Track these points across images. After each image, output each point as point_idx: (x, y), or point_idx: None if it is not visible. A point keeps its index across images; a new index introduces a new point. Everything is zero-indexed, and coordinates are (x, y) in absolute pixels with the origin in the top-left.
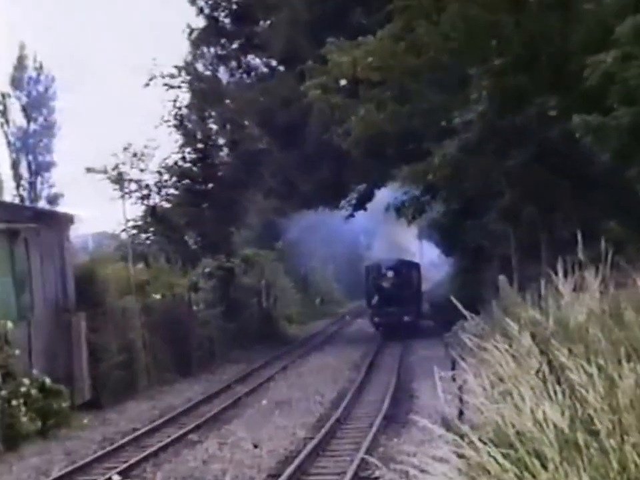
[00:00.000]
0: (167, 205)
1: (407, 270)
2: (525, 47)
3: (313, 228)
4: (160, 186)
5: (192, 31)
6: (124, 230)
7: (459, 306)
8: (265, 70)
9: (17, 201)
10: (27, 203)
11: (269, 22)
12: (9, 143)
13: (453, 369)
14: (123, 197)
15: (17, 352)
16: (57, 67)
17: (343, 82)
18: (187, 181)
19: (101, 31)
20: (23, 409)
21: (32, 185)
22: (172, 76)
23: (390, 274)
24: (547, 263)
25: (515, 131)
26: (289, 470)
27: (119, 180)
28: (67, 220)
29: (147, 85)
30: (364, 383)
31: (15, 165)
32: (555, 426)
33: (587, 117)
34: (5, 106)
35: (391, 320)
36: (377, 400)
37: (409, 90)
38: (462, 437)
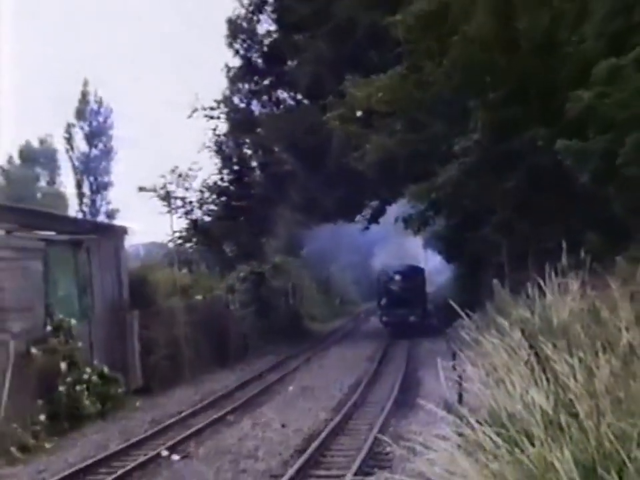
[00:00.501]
0: (207, 219)
1: (413, 274)
2: (516, 84)
3: (333, 238)
4: (201, 202)
5: (229, 69)
6: (170, 240)
7: (457, 308)
8: (292, 103)
9: (80, 215)
10: (89, 217)
11: (295, 62)
12: (73, 166)
13: (454, 359)
14: (169, 212)
15: (80, 345)
16: (112, 99)
17: (359, 113)
18: (224, 198)
19: (153, 68)
20: (85, 393)
21: (93, 202)
22: (212, 108)
23: (397, 278)
24: (534, 269)
25: (508, 156)
26: (313, 446)
27: (167, 197)
28: (122, 231)
29: (190, 116)
30: (377, 372)
31: (78, 185)
32: (541, 408)
33: (569, 142)
34: (70, 134)
35: (398, 320)
36: (388, 387)
37: (415, 120)
38: (461, 418)
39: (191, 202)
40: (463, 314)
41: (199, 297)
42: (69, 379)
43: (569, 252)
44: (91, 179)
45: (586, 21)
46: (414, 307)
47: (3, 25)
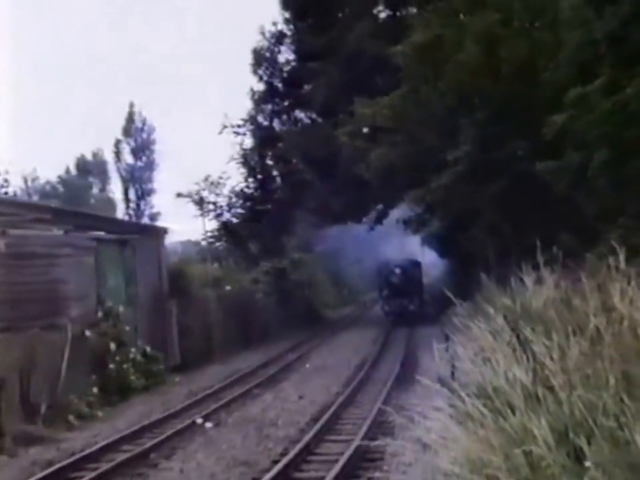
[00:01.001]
0: (235, 221)
1: (411, 267)
2: (499, 104)
3: (342, 237)
4: (230, 206)
5: (254, 92)
6: (203, 239)
7: (452, 297)
8: (308, 121)
9: (126, 218)
10: (134, 220)
11: (311, 86)
12: (121, 176)
13: (447, 342)
14: (202, 215)
15: (127, 328)
16: (157, 117)
17: (365, 129)
18: (249, 203)
19: (191, 89)
20: (131, 370)
21: (137, 206)
22: (239, 126)
23: (397, 271)
24: (516, 264)
25: (492, 166)
26: (326, 415)
27: (200, 202)
28: (162, 232)
29: (221, 132)
30: (380, 353)
31: (125, 192)
32: (521, 383)
33: (546, 162)
34: (118, 149)
35: (398, 309)
36: (390, 365)
37: (413, 135)
38: (453, 392)
39: (221, 206)
40: (455, 302)
41: (228, 288)
42: (117, 358)
43: (545, 250)
44: (136, 186)
45: (560, 51)
46: (412, 297)
47: (62, 53)
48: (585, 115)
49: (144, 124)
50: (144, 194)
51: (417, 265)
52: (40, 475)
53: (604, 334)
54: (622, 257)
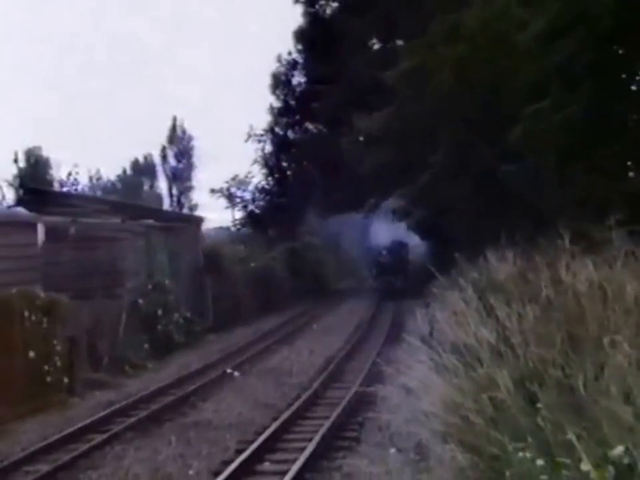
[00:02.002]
0: (258, 211)
1: (398, 248)
2: (470, 118)
3: (343, 224)
4: (254, 199)
5: (272, 108)
6: (232, 226)
7: (434, 271)
8: (316, 131)
9: (170, 209)
10: (176, 211)
11: (318, 104)
12: (166, 176)
13: (427, 308)
14: (232, 206)
15: (171, 297)
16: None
17: (361, 138)
18: (269, 197)
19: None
20: (175, 330)
21: (179, 200)
22: (261, 135)
23: (384, 252)
24: (484, 246)
25: (464, 167)
26: (331, 366)
27: (229, 196)
28: (199, 220)
29: (247, 140)
30: (374, 316)
31: (169, 189)
32: (487, 341)
33: (508, 165)
34: (164, 153)
35: (386, 285)
36: (382, 327)
37: (401, 142)
38: (432, 347)
39: (246, 199)
40: (436, 277)
41: (252, 265)
42: (163, 321)
43: (507, 234)
44: (178, 184)
45: (517, 76)
46: (398, 274)
47: (108, 64)
48: (538, 127)
49: (184, 133)
50: (185, 190)
51: (403, 245)
52: (104, 412)
53: (553, 302)
54: (567, 240)
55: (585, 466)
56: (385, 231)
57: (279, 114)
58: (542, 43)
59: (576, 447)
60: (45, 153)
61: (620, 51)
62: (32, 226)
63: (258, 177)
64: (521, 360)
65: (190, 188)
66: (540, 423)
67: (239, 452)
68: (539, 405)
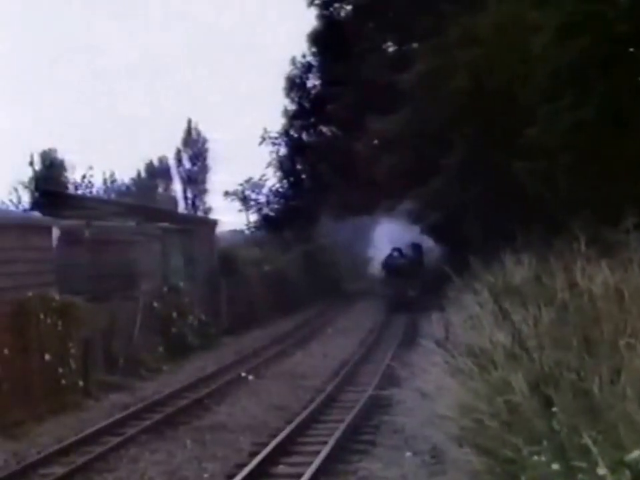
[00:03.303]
0: (272, 214)
1: (411, 251)
2: (485, 121)
3: (358, 226)
4: (269, 202)
5: (287, 111)
6: (247, 229)
7: (451, 274)
8: (330, 134)
9: (185, 212)
10: (191, 213)
11: (333, 106)
12: (181, 178)
13: (442, 311)
14: (246, 209)
15: (186, 300)
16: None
17: (376, 141)
18: (284, 200)
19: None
20: (190, 333)
21: (194, 202)
22: (276, 137)
23: (395, 254)
24: (498, 249)
25: (478, 170)
26: (345, 369)
27: (244, 199)
28: (214, 223)
29: (261, 143)
30: (387, 319)
31: (184, 191)
32: (502, 344)
33: (522, 163)
34: (179, 156)
35: (397, 294)
36: (396, 329)
37: (415, 145)
38: (447, 351)
39: (261, 202)
40: (452, 279)
41: (267, 268)
42: (178, 323)
43: (522, 237)
44: (193, 187)
45: (532, 78)
46: (412, 279)
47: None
48: (553, 128)
49: (199, 136)
50: (200, 193)
51: (417, 247)
52: (120, 415)
53: (569, 305)
54: (583, 243)
55: (601, 470)
56: (396, 232)
57: (294, 117)
58: (556, 43)
59: (592, 450)
60: (60, 155)
61: (633, 50)
62: (47, 229)
63: (272, 180)
64: (536, 363)
65: (204, 191)
66: (555, 426)
67: (254, 455)
68: (554, 409)
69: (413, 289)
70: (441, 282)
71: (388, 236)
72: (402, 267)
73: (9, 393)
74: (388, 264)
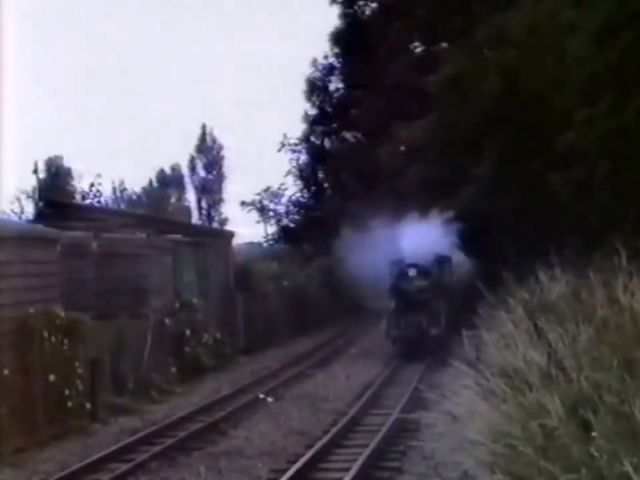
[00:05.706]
0: (292, 225)
1: (434, 267)
2: (517, 127)
3: (380, 240)
4: (288, 213)
5: (308, 115)
6: (265, 241)
7: (484, 290)
8: (354, 141)
9: (199, 223)
10: (206, 225)
11: (356, 111)
12: (195, 187)
13: (474, 330)
14: (264, 220)
15: (200, 317)
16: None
17: (402, 148)
18: (304, 211)
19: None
20: (204, 352)
21: (209, 213)
22: (296, 144)
23: (412, 273)
24: (533, 263)
25: (511, 179)
26: (369, 392)
27: (262, 209)
28: (230, 235)
29: (280, 150)
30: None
31: (198, 201)
32: (537, 364)
33: (556, 174)
34: (193, 164)
35: (410, 333)
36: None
37: (443, 153)
38: (479, 372)
39: (280, 213)
40: (484, 296)
41: (286, 283)
42: (191, 342)
43: (558, 251)
44: (208, 196)
45: (568, 80)
46: (434, 313)
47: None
48: (590, 134)
49: (214, 142)
50: (215, 203)
51: (443, 260)
52: (128, 440)
53: (609, 323)
54: (624, 258)
55: None
56: (419, 241)
57: (315, 122)
58: (595, 44)
59: (633, 478)
60: (66, 162)
61: None
62: (52, 241)
63: (292, 189)
64: (573, 385)
65: (220, 200)
66: (594, 452)
67: None
68: (593, 434)
69: (435, 326)
70: (472, 299)
71: (409, 246)
72: (421, 292)
73: (9, 417)
74: (400, 289)
